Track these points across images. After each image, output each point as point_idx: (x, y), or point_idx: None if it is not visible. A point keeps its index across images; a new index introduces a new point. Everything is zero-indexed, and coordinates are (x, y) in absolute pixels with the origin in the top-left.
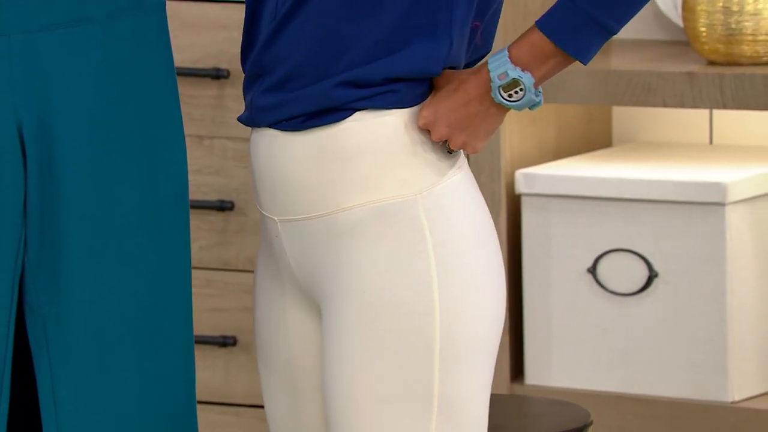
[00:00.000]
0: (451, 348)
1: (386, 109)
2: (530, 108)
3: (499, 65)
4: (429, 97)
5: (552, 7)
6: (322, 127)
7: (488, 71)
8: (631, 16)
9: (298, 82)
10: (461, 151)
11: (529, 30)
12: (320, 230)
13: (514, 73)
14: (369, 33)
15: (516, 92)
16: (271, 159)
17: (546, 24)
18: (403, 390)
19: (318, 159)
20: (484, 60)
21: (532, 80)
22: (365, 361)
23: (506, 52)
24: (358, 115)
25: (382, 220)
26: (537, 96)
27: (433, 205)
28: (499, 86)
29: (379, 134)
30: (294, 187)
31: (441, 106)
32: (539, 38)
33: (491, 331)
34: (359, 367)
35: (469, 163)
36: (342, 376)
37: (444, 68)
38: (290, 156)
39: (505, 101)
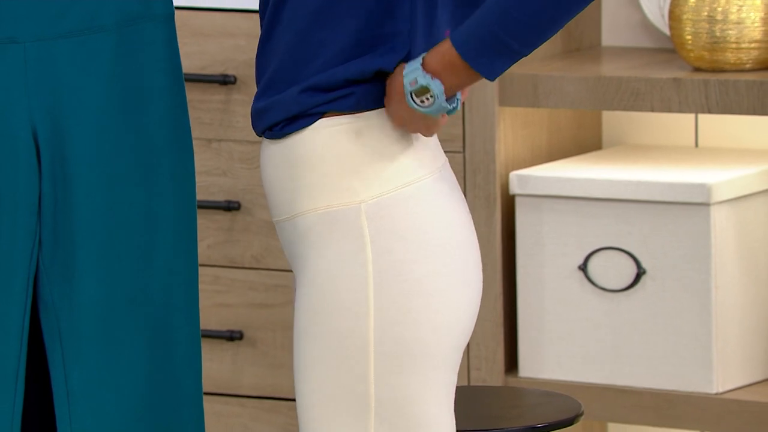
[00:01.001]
0: (385, 352)
1: (346, 113)
2: (447, 114)
3: (410, 71)
4: None
5: (466, 22)
6: (291, 135)
7: (402, 77)
8: (540, 42)
9: (276, 88)
10: (428, 161)
11: (444, 40)
12: (289, 232)
13: (424, 80)
14: (334, 41)
15: (427, 98)
16: (263, 165)
17: (457, 38)
18: (343, 391)
19: (284, 165)
20: (401, 65)
21: (442, 87)
22: (313, 362)
23: (420, 60)
24: (320, 122)
25: (328, 226)
26: (451, 103)
27: (376, 214)
28: (411, 92)
29: (331, 143)
30: (272, 191)
31: (387, 106)
32: (449, 49)
33: (435, 338)
34: (308, 368)
35: (464, 165)
36: (298, 375)
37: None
38: (270, 163)
39: (417, 107)
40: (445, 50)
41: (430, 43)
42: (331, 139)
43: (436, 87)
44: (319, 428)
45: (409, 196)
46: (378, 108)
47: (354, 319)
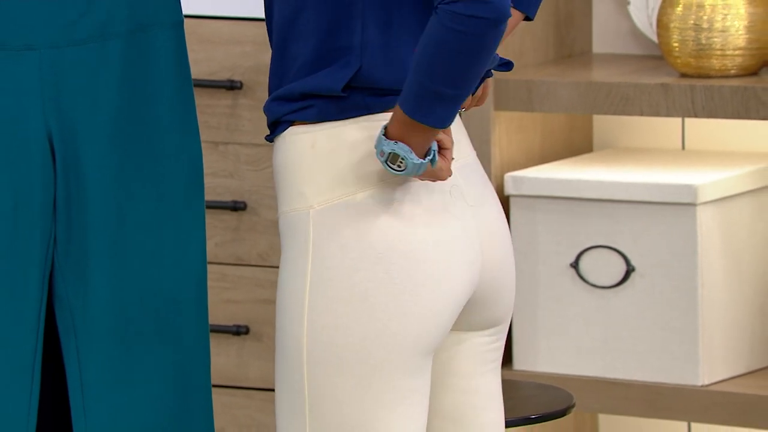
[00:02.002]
0: (316, 355)
1: (309, 123)
2: (432, 165)
3: (377, 143)
4: None
5: (405, 84)
6: (274, 140)
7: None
8: (470, 82)
9: (268, 97)
10: (385, 173)
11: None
12: None
13: (388, 147)
14: (301, 54)
15: (401, 162)
16: None
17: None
18: (286, 388)
19: (273, 169)
20: None
21: (407, 148)
22: (275, 359)
23: (382, 130)
24: (288, 130)
25: (287, 230)
26: (428, 156)
27: (321, 220)
28: (384, 161)
29: (291, 151)
30: None
31: None
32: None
33: (367, 344)
34: (275, 364)
35: None
36: None
37: (355, 87)
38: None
39: (396, 172)
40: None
41: (387, 58)
42: (291, 148)
43: (401, 150)
44: (277, 420)
45: (355, 204)
46: (337, 120)
47: (292, 320)
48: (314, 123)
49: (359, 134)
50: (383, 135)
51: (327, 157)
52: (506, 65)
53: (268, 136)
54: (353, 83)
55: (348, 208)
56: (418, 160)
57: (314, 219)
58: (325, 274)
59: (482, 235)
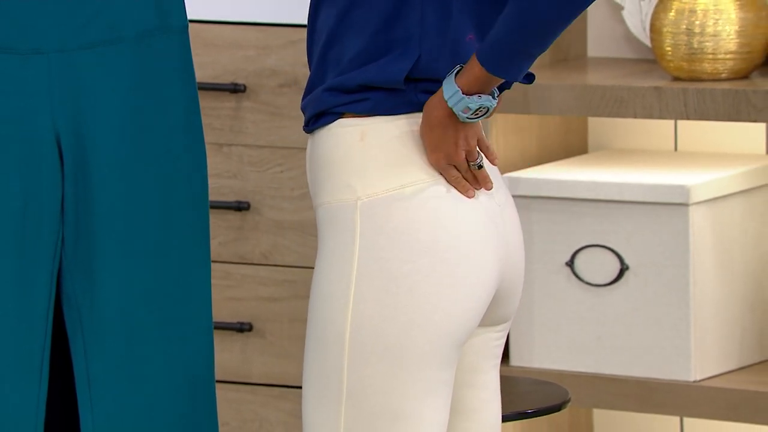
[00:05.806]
0: (359, 344)
1: (361, 115)
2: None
3: (456, 102)
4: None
5: (487, 40)
6: (316, 132)
7: (448, 107)
8: (551, 43)
9: (310, 89)
10: (432, 167)
11: (472, 62)
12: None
13: (475, 104)
14: (355, 44)
15: (478, 111)
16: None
17: (485, 59)
18: (322, 376)
19: (311, 160)
20: (439, 91)
21: (489, 97)
22: (306, 347)
23: (457, 89)
24: (337, 122)
25: (330, 220)
26: (494, 99)
27: (369, 212)
28: (467, 117)
29: (339, 143)
30: (308, 182)
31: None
32: (480, 70)
33: (409, 334)
34: (305, 353)
35: None
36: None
37: (413, 79)
38: (307, 156)
39: (473, 119)
40: (477, 72)
41: (445, 47)
42: (339, 140)
43: (486, 101)
44: (306, 409)
45: (403, 197)
46: (390, 115)
47: (334, 309)
48: (365, 116)
49: (409, 129)
50: (462, 93)
51: (377, 150)
52: (528, 77)
53: (306, 127)
54: (411, 75)
55: (396, 202)
56: (492, 102)
57: (361, 211)
58: (372, 265)
59: (507, 234)
